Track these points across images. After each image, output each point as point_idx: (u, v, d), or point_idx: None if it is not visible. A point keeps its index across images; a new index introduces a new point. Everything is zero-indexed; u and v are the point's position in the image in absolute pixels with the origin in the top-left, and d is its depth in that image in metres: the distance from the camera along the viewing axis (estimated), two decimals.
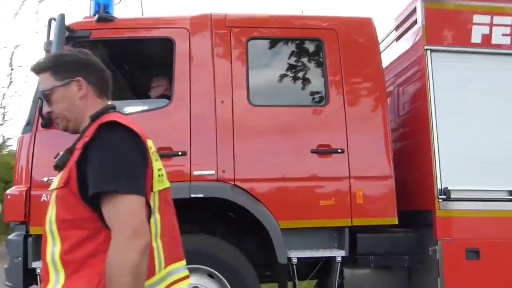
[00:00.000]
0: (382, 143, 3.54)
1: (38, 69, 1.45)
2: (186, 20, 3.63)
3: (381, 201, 3.50)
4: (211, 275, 3.22)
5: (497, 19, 3.76)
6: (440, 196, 3.43)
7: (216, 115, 3.40)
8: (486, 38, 3.72)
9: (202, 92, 3.44)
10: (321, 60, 3.62)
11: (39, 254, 2.99)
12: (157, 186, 1.36)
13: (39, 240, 2.90)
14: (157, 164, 1.39)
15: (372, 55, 3.67)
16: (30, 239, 3.12)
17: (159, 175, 1.38)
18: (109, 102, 1.51)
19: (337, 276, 3.33)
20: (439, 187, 3.45)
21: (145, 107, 3.54)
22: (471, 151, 3.53)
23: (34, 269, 3.06)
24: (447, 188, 3.45)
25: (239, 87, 3.46)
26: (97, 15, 3.49)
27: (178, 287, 1.41)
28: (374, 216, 3.47)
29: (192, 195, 3.18)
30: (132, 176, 1.22)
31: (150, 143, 1.39)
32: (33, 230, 3.14)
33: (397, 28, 4.24)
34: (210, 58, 3.49)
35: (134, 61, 4.16)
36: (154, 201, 1.34)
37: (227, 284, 3.18)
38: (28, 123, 3.35)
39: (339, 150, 3.46)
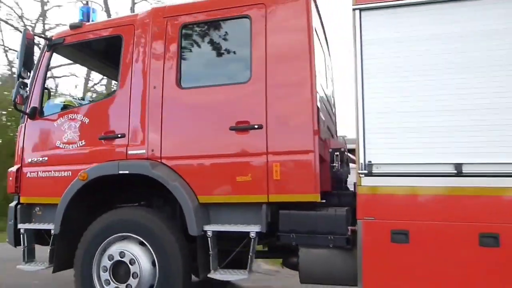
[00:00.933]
0: (306, 117, 3.35)
1: None
2: (135, 17, 4.08)
3: (301, 177, 3.32)
4: (142, 243, 3.61)
5: None
6: (360, 171, 3.08)
7: (148, 100, 3.76)
8: None
9: (139, 80, 3.84)
10: (249, 37, 3.61)
11: (25, 218, 3.90)
12: None
13: (26, 207, 3.77)
14: None
15: (300, 30, 3.47)
16: (18, 206, 4.04)
17: None
18: None
19: (251, 251, 3.33)
20: (361, 161, 3.10)
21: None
22: (403, 118, 3.05)
23: (19, 229, 3.97)
24: (370, 162, 3.07)
25: (169, 73, 3.74)
26: (69, 24, 4.23)
27: None
28: (293, 193, 3.34)
29: (120, 172, 3.63)
30: None
31: None
32: (22, 199, 4.06)
33: None
34: (148, 50, 3.86)
35: (98, 57, 4.83)
36: None
37: (152, 249, 3.53)
38: (32, 113, 4.25)
39: (256, 126, 3.43)
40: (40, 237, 4.03)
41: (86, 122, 3.96)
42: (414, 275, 2.96)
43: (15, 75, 4.15)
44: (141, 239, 3.59)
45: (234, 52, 3.74)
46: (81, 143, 3.93)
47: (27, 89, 4.02)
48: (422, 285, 2.95)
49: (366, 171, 3.07)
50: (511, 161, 2.79)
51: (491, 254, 2.78)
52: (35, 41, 4.18)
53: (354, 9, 3.25)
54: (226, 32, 3.78)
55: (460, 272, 2.85)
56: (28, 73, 3.94)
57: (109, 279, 3.58)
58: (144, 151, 3.69)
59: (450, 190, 2.93)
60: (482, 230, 2.81)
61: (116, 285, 3.57)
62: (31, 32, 4.07)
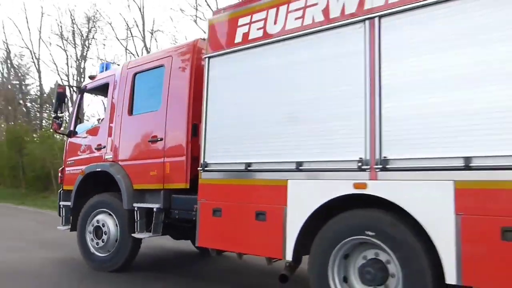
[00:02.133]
0: (183, 135, 5.01)
1: None
2: (114, 72, 6.29)
3: (179, 172, 4.98)
4: (110, 214, 5.76)
5: (255, 16, 4.37)
6: (200, 168, 4.59)
7: (115, 123, 5.90)
8: (245, 36, 4.42)
9: (111, 111, 6.01)
10: (162, 79, 5.43)
11: (64, 198, 6.47)
12: None
13: (65, 192, 6.37)
14: None
15: (185, 72, 5.14)
16: (61, 191, 6.64)
17: None
18: None
19: (153, 220, 5.14)
20: (201, 161, 4.60)
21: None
22: (229, 130, 4.41)
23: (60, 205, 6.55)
24: (206, 162, 4.56)
25: (126, 105, 5.81)
26: (89, 75, 6.71)
27: None
28: (176, 182, 5.02)
29: (97, 169, 5.86)
30: None
31: None
32: (64, 188, 6.64)
33: None
34: (117, 91, 6.00)
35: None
36: None
37: (115, 218, 5.64)
38: (69, 133, 6.82)
39: (159, 139, 5.23)
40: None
41: (91, 139, 6.33)
42: (223, 236, 4.35)
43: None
44: (109, 211, 5.75)
45: (156, 91, 5.56)
46: (87, 152, 6.31)
47: (61, 120, 6.59)
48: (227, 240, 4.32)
49: (201, 168, 4.56)
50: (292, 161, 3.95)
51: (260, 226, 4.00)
52: (67, 88, 6.76)
53: (204, 58, 4.77)
54: (154, 76, 5.64)
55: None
56: (60, 111, 6.47)
57: (93, 237, 5.84)
58: (111, 156, 5.85)
59: (242, 181, 4.23)
60: (257, 209, 4.05)
61: (96, 240, 5.80)
62: (61, 84, 6.68)
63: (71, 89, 7.86)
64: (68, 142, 6.83)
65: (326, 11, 3.85)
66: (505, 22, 2.94)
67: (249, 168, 4.17)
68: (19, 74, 30.73)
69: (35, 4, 45.87)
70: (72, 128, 6.72)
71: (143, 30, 24.00)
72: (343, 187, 3.54)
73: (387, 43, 3.48)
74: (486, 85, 2.98)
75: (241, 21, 4.49)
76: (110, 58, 26.32)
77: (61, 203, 6.56)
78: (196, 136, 4.92)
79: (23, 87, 31.20)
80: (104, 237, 5.72)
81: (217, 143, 4.53)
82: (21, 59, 30.34)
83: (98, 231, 5.82)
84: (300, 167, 3.81)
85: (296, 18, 4.05)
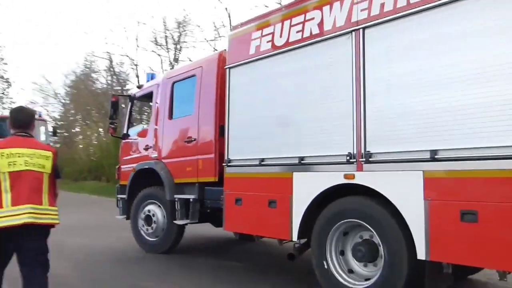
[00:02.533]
0: (211, 135, 5.82)
1: None
2: (158, 80, 7.22)
3: (209, 168, 5.79)
4: (158, 205, 6.74)
5: (265, 31, 5.02)
6: (224, 164, 5.35)
7: (159, 127, 6.84)
8: (257, 48, 5.09)
9: (156, 116, 6.95)
10: (195, 87, 6.26)
11: (121, 192, 7.59)
12: (5, 169, 3.12)
13: (121, 186, 7.50)
14: (9, 159, 3.14)
15: (212, 81, 5.92)
16: (118, 186, 7.76)
17: (10, 164, 3.13)
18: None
19: (190, 209, 6.00)
20: (225, 157, 5.36)
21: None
22: (247, 130, 5.13)
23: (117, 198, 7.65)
24: (229, 158, 5.30)
25: (166, 111, 6.72)
26: (137, 85, 7.74)
27: (26, 217, 3.11)
28: (207, 176, 5.83)
29: (145, 167, 6.85)
30: None
31: (8, 151, 3.17)
32: (120, 183, 7.73)
33: None
34: (158, 99, 6.93)
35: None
36: (5, 176, 3.13)
37: (162, 208, 6.61)
38: (123, 136, 7.91)
39: (193, 139, 6.07)
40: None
41: (140, 140, 7.34)
42: (243, 221, 5.09)
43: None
44: (157, 203, 6.73)
45: (191, 97, 6.38)
46: (137, 151, 7.34)
47: (116, 125, 7.67)
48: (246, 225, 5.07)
49: (225, 164, 5.32)
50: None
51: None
52: (119, 98, 7.84)
53: (225, 68, 5.50)
54: (188, 84, 6.48)
55: None
56: (115, 117, 7.55)
57: (144, 224, 6.86)
58: (156, 155, 6.80)
59: (257, 175, 4.92)
60: (270, 198, 4.72)
61: (147, 227, 6.81)
62: (114, 94, 7.75)
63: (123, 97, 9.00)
64: (122, 144, 7.92)
65: (320, 25, 4.41)
66: (459, 34, 3.36)
67: (262, 163, 4.86)
68: (120, 80, 32.73)
69: (132, 16, 50.89)
70: (125, 132, 7.79)
71: (231, 29, 23.54)
72: (336, 178, 4.12)
73: (370, 51, 3.98)
74: (449, 88, 3.41)
75: (254, 35, 5.17)
76: None
77: (118, 196, 7.68)
78: (223, 136, 5.67)
79: (124, 91, 33.52)
80: (154, 224, 6.71)
81: (237, 142, 5.26)
82: (122, 66, 32.34)
83: (148, 219, 6.82)
84: (302, 161, 4.43)
85: (297, 31, 4.64)
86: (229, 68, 5.45)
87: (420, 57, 3.62)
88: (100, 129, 35.20)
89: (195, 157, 6.04)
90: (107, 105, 31.37)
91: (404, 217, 3.60)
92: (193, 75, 6.35)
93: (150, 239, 6.79)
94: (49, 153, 3.44)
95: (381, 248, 3.88)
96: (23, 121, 3.48)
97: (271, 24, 4.96)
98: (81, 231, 9.07)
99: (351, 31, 4.12)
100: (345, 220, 4.10)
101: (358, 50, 4.05)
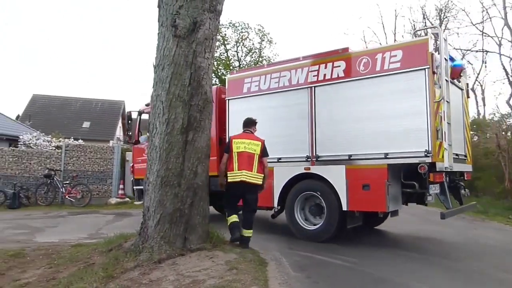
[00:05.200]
0: (214, 142, 8.76)
1: None
2: None
3: (212, 165, 8.77)
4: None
5: (254, 79, 8.13)
6: None
7: None
8: (248, 89, 8.18)
9: None
10: None
11: (136, 184, 10.34)
12: (234, 150, 6.27)
13: (136, 180, 10.24)
14: (237, 145, 6.28)
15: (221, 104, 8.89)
16: (133, 179, 10.45)
17: (237, 147, 6.24)
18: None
19: None
20: None
21: None
22: None
23: (134, 188, 10.36)
24: None
25: None
26: (145, 103, 10.47)
27: (244, 177, 6.12)
28: (211, 171, 8.80)
29: None
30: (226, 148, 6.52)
31: (238, 140, 6.36)
32: (135, 177, 10.44)
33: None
34: None
35: None
36: (234, 153, 6.25)
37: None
38: (135, 142, 10.60)
39: None
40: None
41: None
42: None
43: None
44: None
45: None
46: None
47: (130, 134, 10.34)
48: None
49: None
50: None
51: None
52: (133, 114, 10.51)
53: (225, 99, 8.52)
54: None
55: None
56: (129, 127, 10.22)
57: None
58: None
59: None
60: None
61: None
62: (129, 111, 10.42)
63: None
64: (134, 148, 10.61)
65: (290, 80, 7.62)
66: (365, 94, 6.73)
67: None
68: None
69: (390, 9, 50.85)
70: (136, 139, 10.49)
71: (504, 7, 21.51)
72: (300, 169, 7.37)
73: (318, 99, 7.25)
74: (357, 123, 6.76)
75: (246, 81, 8.27)
76: (465, 46, 27.46)
77: (135, 187, 10.38)
78: (221, 145, 8.68)
79: None
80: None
81: None
82: None
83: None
84: (280, 160, 7.62)
85: (275, 82, 7.82)
86: (229, 99, 8.50)
87: (343, 104, 6.94)
88: None
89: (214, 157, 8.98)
90: None
91: (336, 189, 6.92)
92: None
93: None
94: (259, 142, 6.29)
95: (325, 208, 7.18)
96: (246, 124, 6.56)
97: (258, 75, 8.09)
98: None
99: (307, 87, 7.37)
100: (305, 193, 7.38)
101: (311, 98, 7.31)
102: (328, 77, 7.13)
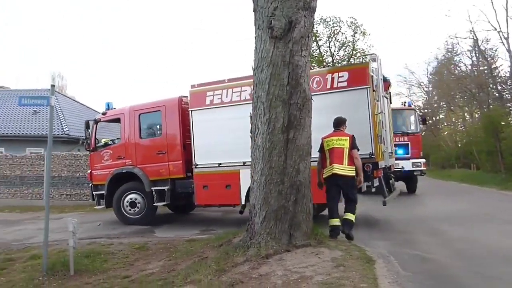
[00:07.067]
0: (179, 150, 9.60)
1: None
2: (123, 110, 10.53)
3: (178, 169, 9.61)
4: (139, 193, 10.17)
5: (216, 92, 9.07)
6: (193, 166, 9.29)
7: (130, 144, 10.21)
8: (211, 101, 9.12)
9: (125, 136, 10.30)
10: (161, 118, 9.88)
11: (95, 189, 10.65)
12: (325, 148, 6.61)
13: (94, 186, 10.52)
14: (327, 143, 6.61)
15: (175, 116, 9.64)
16: (91, 185, 10.78)
17: (327, 145, 6.57)
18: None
19: (165, 199, 9.74)
20: (193, 162, 9.29)
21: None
22: (208, 146, 9.14)
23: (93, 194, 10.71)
24: (196, 163, 9.26)
25: (136, 133, 10.14)
26: (102, 112, 10.79)
27: (335, 170, 6.41)
28: (177, 174, 9.65)
29: (123, 171, 10.18)
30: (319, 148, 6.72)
31: (327, 139, 6.66)
32: (94, 183, 10.76)
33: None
34: (127, 124, 10.29)
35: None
36: (326, 151, 6.59)
37: (142, 195, 10.09)
38: (92, 149, 10.88)
39: (164, 152, 9.75)
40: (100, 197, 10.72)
41: (110, 153, 10.51)
42: (210, 198, 9.22)
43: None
44: (138, 192, 10.15)
45: (157, 125, 9.99)
46: (109, 160, 10.49)
47: (89, 141, 10.63)
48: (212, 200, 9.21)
49: (195, 166, 9.27)
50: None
51: None
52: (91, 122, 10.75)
53: (189, 110, 9.36)
54: (154, 116, 10.03)
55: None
56: (87, 135, 10.51)
57: (129, 207, 10.20)
58: (130, 162, 10.18)
59: (215, 172, 9.06)
60: (227, 183, 8.92)
61: (132, 209, 10.18)
62: (87, 120, 10.68)
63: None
64: (91, 155, 10.89)
65: (251, 95, 8.69)
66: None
67: (220, 165, 9.01)
68: (487, 58, 28.75)
69: None
70: (93, 146, 10.78)
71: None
72: None
73: None
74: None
75: (208, 93, 9.21)
76: None
77: (94, 192, 10.71)
78: (186, 150, 9.55)
79: (492, 70, 28.61)
80: (138, 206, 10.14)
81: (201, 154, 9.26)
82: (487, 43, 28.67)
83: (132, 203, 10.16)
84: (245, 163, 8.75)
85: (237, 96, 8.88)
86: (192, 110, 9.36)
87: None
88: (466, 115, 32.34)
89: (167, 163, 9.74)
90: (471, 88, 29.62)
91: None
92: (158, 110, 9.95)
93: (133, 216, 10.19)
94: (347, 137, 6.53)
95: None
96: (336, 123, 6.83)
97: (220, 88, 9.06)
98: (456, 220, 8.85)
99: None
100: None
101: None
102: None
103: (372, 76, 7.66)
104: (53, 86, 6.54)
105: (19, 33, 75.34)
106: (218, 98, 9.10)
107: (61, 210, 13.76)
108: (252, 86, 8.64)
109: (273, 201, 5.71)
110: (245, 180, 8.75)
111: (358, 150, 6.62)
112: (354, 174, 6.45)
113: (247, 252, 5.52)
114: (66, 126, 20.35)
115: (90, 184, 10.91)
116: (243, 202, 8.84)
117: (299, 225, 5.77)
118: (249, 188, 8.65)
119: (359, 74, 7.70)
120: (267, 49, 5.78)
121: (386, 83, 8.58)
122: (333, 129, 6.84)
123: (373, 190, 7.98)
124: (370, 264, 5.04)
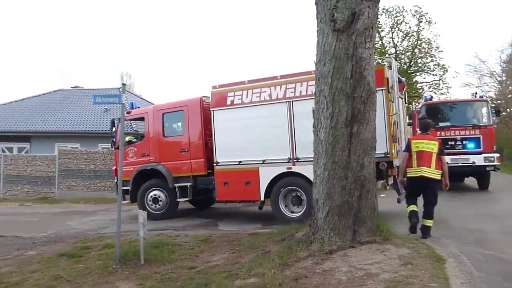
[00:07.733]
0: (201, 148, 10.05)
1: None
2: (147, 109, 11.01)
3: (200, 166, 10.07)
4: (161, 190, 10.68)
5: (236, 93, 9.48)
6: (214, 164, 9.73)
7: (154, 142, 10.71)
8: (231, 102, 9.53)
9: (150, 134, 10.80)
10: (183, 117, 10.34)
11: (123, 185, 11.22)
12: (413, 149, 6.53)
13: (123, 181, 11.07)
14: (416, 145, 6.54)
15: (197, 115, 10.11)
16: (117, 181, 11.35)
17: (416, 147, 6.51)
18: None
19: (187, 195, 10.21)
20: (214, 160, 9.73)
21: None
22: (228, 145, 9.56)
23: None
24: (217, 161, 9.70)
25: (160, 132, 10.63)
26: (126, 111, 11.30)
27: (423, 173, 6.39)
28: (198, 171, 10.11)
29: (147, 168, 10.69)
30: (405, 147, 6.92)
31: (416, 141, 6.62)
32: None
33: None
34: (151, 122, 10.77)
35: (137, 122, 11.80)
36: (413, 152, 6.52)
37: (165, 191, 10.59)
38: (118, 147, 11.43)
39: (186, 150, 10.21)
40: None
41: (135, 150, 11.03)
42: (230, 194, 9.66)
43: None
44: (161, 188, 10.66)
45: (180, 124, 10.45)
46: (134, 157, 11.01)
47: (113, 139, 11.17)
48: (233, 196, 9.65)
49: (216, 164, 9.72)
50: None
51: None
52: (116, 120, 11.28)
53: (211, 110, 9.80)
54: (177, 115, 10.51)
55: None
56: (113, 133, 11.05)
57: (152, 203, 10.73)
58: (154, 159, 10.68)
59: (236, 169, 9.48)
60: (246, 181, 9.34)
61: (155, 205, 10.69)
62: (113, 118, 11.21)
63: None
64: (116, 152, 11.42)
65: (270, 95, 9.11)
66: None
67: (240, 163, 9.43)
68: None
69: None
70: (119, 144, 11.27)
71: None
72: (282, 168, 8.98)
73: (295, 111, 8.84)
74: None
75: (229, 94, 9.62)
76: None
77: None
78: (207, 148, 9.99)
79: None
80: (160, 202, 10.66)
81: (221, 152, 9.69)
82: None
83: (155, 200, 10.69)
84: (264, 161, 9.16)
85: (257, 96, 9.27)
86: (213, 110, 9.80)
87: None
88: None
89: (189, 160, 10.21)
90: None
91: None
92: (181, 110, 10.42)
93: (155, 212, 10.70)
94: (436, 142, 6.58)
95: (304, 199, 8.89)
96: (424, 126, 6.91)
97: (241, 90, 9.47)
98: None
99: (286, 101, 8.93)
100: (288, 188, 9.02)
101: (289, 110, 8.89)
102: (303, 93, 8.75)
103: (387, 78, 7.96)
104: (124, 85, 7.21)
105: (19, 33, 76.21)
106: (238, 99, 9.50)
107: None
108: (271, 88, 9.22)
109: (337, 196, 5.65)
110: (264, 177, 9.19)
111: (445, 155, 6.74)
112: (440, 178, 6.56)
113: (310, 247, 5.52)
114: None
115: (115, 180, 11.43)
116: (262, 199, 9.25)
117: (363, 221, 5.68)
118: (268, 185, 9.24)
119: (375, 76, 7.98)
120: (329, 43, 5.71)
121: (401, 84, 8.86)
122: (420, 132, 6.99)
123: (388, 188, 8.30)
124: (440, 263, 4.84)
